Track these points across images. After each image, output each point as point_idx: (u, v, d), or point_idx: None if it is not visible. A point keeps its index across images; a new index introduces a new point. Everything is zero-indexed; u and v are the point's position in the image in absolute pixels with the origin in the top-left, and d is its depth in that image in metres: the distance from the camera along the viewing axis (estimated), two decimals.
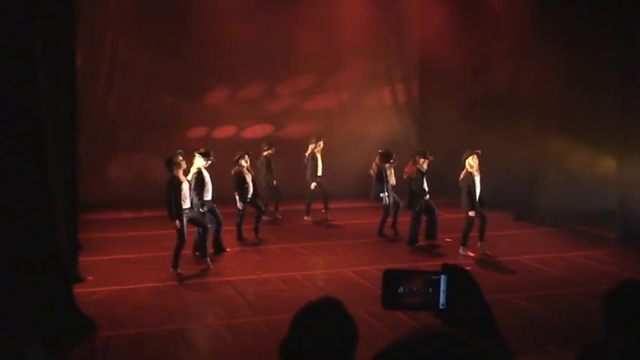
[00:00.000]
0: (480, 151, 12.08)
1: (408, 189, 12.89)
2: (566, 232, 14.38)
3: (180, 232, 10.68)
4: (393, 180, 13.68)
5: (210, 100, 18.13)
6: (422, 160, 12.77)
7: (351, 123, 19.06)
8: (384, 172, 13.52)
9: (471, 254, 12.21)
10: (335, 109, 19.30)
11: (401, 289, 1.67)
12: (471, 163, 11.96)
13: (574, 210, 14.44)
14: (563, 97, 14.95)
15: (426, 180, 12.84)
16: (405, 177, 13.04)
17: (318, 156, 15.20)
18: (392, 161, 13.67)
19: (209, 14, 17.22)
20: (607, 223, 13.85)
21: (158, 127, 17.45)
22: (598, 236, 13.86)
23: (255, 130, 18.73)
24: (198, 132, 17.90)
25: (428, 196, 12.80)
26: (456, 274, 1.70)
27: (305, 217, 15.40)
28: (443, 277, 1.68)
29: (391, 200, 13.63)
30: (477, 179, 11.98)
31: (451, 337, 1.31)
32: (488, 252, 12.27)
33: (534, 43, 15.38)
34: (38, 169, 8.08)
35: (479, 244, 12.29)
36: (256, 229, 13.45)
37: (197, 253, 11.80)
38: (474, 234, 12.26)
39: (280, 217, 15.53)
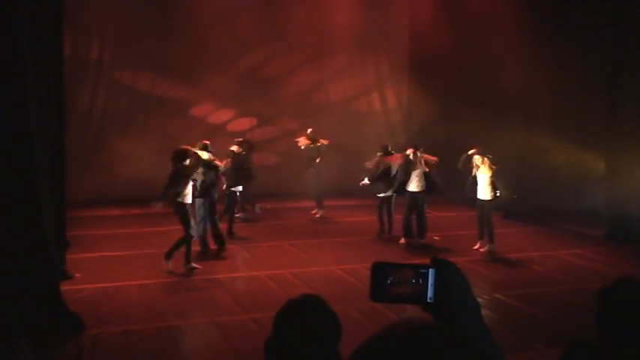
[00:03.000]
0: (491, 156, 12.26)
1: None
2: (554, 230, 14.46)
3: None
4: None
5: (197, 97, 18.04)
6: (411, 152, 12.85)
7: (339, 121, 19.10)
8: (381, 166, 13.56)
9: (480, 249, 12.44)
10: (323, 107, 19.30)
11: (389, 280, 1.67)
12: (477, 162, 12.13)
13: (562, 208, 14.52)
14: (551, 97, 15.04)
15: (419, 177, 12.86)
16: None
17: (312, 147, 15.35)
18: (387, 152, 13.67)
19: (199, 7, 17.17)
20: (595, 221, 13.92)
21: (147, 125, 17.41)
22: (585, 235, 13.93)
23: (243, 123, 18.74)
24: (187, 129, 17.83)
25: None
26: (445, 268, 1.70)
27: (320, 213, 15.52)
28: (431, 271, 1.68)
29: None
30: (480, 177, 12.20)
31: (433, 329, 1.31)
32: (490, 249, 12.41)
33: (524, 43, 15.42)
34: (26, 166, 8.03)
35: (487, 247, 12.39)
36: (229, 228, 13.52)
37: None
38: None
39: (254, 211, 15.35)
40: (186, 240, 10.80)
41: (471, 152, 12.37)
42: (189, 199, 10.83)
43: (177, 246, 10.88)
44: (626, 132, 13.50)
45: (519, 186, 14.99)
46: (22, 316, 7.63)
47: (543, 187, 14.89)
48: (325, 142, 15.56)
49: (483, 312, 1.75)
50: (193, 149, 11.46)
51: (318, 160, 15.40)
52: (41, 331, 7.61)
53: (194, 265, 10.91)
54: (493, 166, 12.17)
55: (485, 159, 12.15)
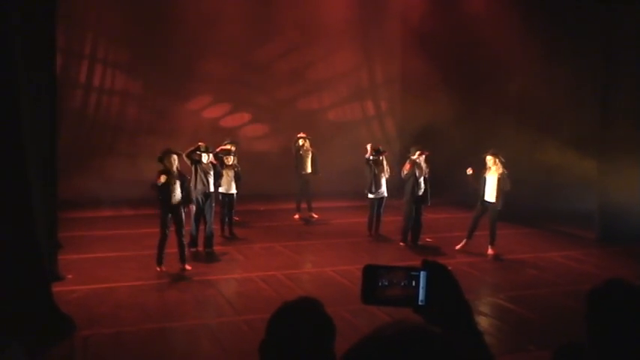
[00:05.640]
0: (499, 156, 12.25)
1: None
2: (546, 232, 14.49)
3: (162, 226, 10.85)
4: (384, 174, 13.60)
5: (189, 100, 17.98)
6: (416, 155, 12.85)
7: (331, 122, 19.15)
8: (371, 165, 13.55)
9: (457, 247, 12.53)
10: (316, 108, 19.30)
11: (381, 283, 1.68)
12: (488, 163, 12.14)
13: (554, 210, 14.54)
14: (544, 99, 15.05)
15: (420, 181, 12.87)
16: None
17: (302, 153, 15.23)
18: (380, 153, 13.63)
19: (190, 15, 17.15)
20: (587, 223, 13.95)
21: (138, 126, 17.39)
22: (578, 237, 13.96)
23: (234, 120, 18.73)
24: (179, 132, 17.75)
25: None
26: (435, 270, 1.70)
27: (297, 216, 15.43)
28: (422, 274, 1.69)
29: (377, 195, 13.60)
30: (489, 178, 12.19)
31: (423, 331, 1.31)
32: (491, 252, 12.45)
33: (516, 47, 15.44)
34: (17, 166, 8.00)
35: (489, 249, 12.45)
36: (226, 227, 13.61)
37: (192, 249, 12.04)
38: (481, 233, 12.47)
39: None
40: (160, 241, 10.84)
41: (469, 172, 12.39)
42: (173, 200, 10.79)
43: (181, 248, 11.01)
44: (619, 135, 13.53)
45: (511, 188, 15.00)
46: (13, 317, 7.59)
47: (535, 189, 14.90)
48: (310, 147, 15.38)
49: (475, 314, 1.75)
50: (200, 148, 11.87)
51: (309, 170, 15.28)
52: (33, 333, 7.58)
53: (160, 268, 10.89)
54: (505, 170, 12.15)
55: (497, 160, 12.14)
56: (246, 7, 17.79)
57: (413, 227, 12.98)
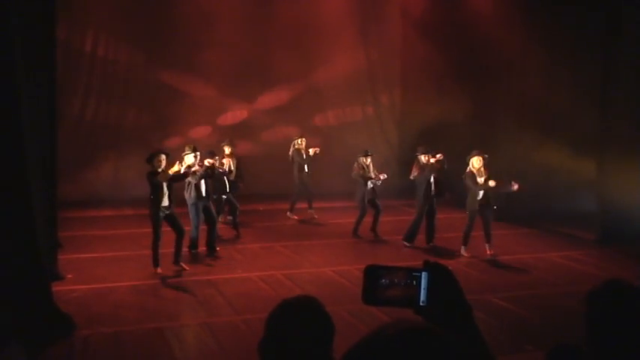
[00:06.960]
0: (487, 155, 12.17)
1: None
2: (545, 233, 14.48)
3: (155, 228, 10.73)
4: (372, 175, 13.55)
5: (189, 99, 17.95)
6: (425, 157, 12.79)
7: (331, 121, 19.15)
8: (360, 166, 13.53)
9: (466, 254, 12.36)
10: (315, 107, 19.28)
11: (382, 283, 1.68)
12: (474, 164, 12.06)
13: (554, 211, 14.53)
14: (543, 99, 15.05)
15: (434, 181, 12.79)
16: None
17: (303, 153, 15.21)
18: (368, 155, 13.63)
19: (190, 14, 17.15)
20: (586, 224, 13.94)
21: (138, 125, 17.37)
22: (577, 237, 13.95)
23: (235, 118, 18.73)
24: (178, 131, 17.75)
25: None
26: (437, 271, 1.71)
27: (288, 214, 15.39)
28: (424, 274, 1.69)
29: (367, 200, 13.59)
30: (480, 180, 12.06)
31: (424, 331, 1.32)
32: (490, 252, 12.40)
33: (517, 46, 15.43)
34: (16, 165, 7.99)
35: (487, 246, 12.43)
36: (234, 225, 13.60)
37: (192, 251, 11.94)
38: (477, 233, 12.39)
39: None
40: (153, 243, 10.74)
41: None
42: (163, 202, 10.65)
43: (178, 249, 11.01)
44: (618, 135, 13.54)
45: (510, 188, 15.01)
46: (13, 316, 7.59)
47: (535, 189, 14.89)
48: (315, 150, 15.31)
49: (475, 314, 1.76)
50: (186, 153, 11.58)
51: (307, 169, 15.25)
52: (32, 332, 7.58)
53: (157, 270, 10.81)
54: (486, 169, 12.10)
55: (482, 160, 12.07)
56: (246, 5, 17.80)
57: (426, 228, 12.96)
